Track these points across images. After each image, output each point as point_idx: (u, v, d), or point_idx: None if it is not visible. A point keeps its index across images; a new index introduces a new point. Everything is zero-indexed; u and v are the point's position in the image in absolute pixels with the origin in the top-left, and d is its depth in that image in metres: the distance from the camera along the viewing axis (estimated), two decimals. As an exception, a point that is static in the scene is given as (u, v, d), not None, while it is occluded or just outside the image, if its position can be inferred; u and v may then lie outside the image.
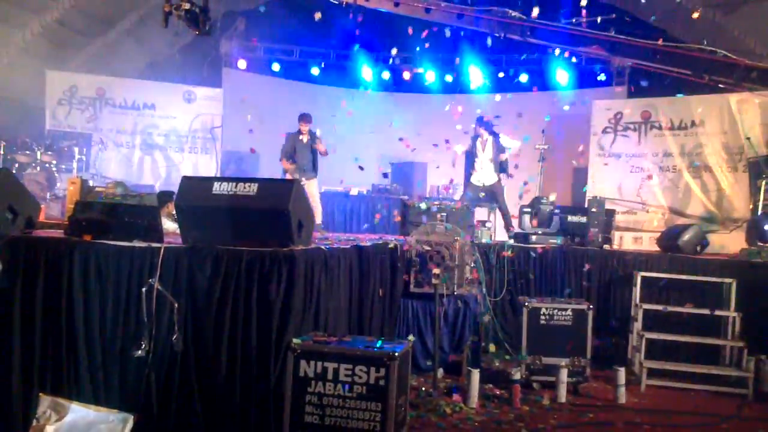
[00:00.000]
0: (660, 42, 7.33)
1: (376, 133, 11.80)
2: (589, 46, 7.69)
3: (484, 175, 9.20)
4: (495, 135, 9.20)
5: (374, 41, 12.27)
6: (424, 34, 8.89)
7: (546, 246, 7.57)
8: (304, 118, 9.26)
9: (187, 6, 5.68)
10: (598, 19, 7.57)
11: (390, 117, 11.52)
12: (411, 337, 5.83)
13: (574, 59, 11.45)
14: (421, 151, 11.93)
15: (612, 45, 7.55)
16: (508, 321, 7.40)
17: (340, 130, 11.39)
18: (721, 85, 7.51)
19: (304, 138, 9.19)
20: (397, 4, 7.88)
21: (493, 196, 9.06)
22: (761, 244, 7.25)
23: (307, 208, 4.50)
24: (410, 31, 9.23)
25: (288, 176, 9.03)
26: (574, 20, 7.66)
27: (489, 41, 8.37)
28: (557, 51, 8.79)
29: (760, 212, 8.32)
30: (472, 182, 9.24)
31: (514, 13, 7.78)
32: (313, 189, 9.19)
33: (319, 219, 9.06)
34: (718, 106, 9.72)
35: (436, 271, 5.85)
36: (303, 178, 9.05)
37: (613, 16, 7.97)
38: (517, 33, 7.81)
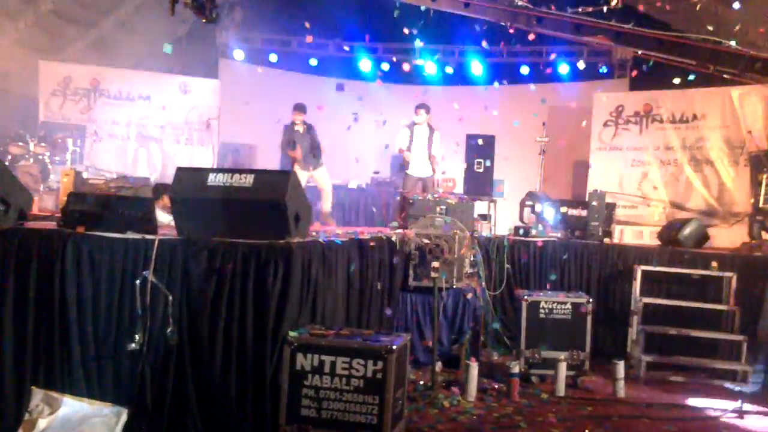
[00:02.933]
0: (665, 32, 7.28)
1: (375, 125, 11.72)
2: (595, 36, 7.64)
3: (420, 167, 9.09)
4: (431, 129, 9.04)
5: (373, 32, 12.17)
6: None
7: (546, 239, 7.53)
8: (298, 108, 9.10)
9: None
10: (604, 9, 7.51)
11: (389, 109, 11.44)
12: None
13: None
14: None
15: (617, 34, 7.50)
16: (508, 315, 7.37)
17: (339, 123, 11.33)
18: (725, 76, 7.46)
19: (300, 128, 9.03)
20: None
21: (424, 190, 8.89)
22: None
23: (304, 199, 4.43)
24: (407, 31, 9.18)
25: (296, 166, 8.91)
26: (580, 9, 7.59)
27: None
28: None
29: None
30: (409, 174, 9.11)
31: (520, 2, 7.70)
32: (323, 178, 9.09)
33: (328, 207, 8.96)
34: (720, 99, 9.65)
35: (435, 264, 5.79)
36: (310, 167, 8.96)
37: (619, 4, 7.90)
38: (524, 22, 7.75)
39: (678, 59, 7.43)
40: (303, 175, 8.72)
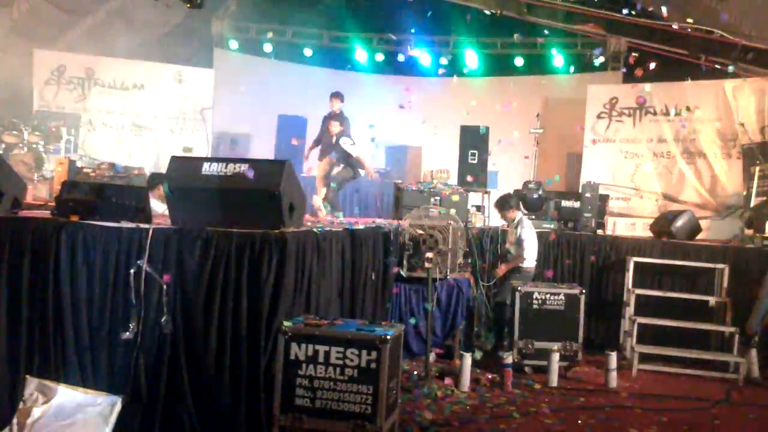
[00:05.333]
0: (658, 21, 7.27)
1: (371, 116, 11.72)
2: (586, 24, 7.61)
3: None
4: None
5: (368, 22, 12.15)
6: None
7: (540, 231, 7.55)
8: (334, 95, 8.41)
9: None
10: None
11: (383, 99, 11.42)
12: (412, 320, 5.84)
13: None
14: (416, 134, 11.89)
15: (609, 23, 7.48)
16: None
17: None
18: (717, 66, 7.46)
19: (333, 138, 8.16)
20: None
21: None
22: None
23: (298, 189, 4.43)
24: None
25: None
26: None
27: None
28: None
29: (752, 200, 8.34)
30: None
31: None
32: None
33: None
34: (713, 92, 9.68)
35: (429, 255, 5.81)
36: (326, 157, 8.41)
37: None
38: (514, 10, 7.71)
39: (670, 49, 7.42)
40: (321, 165, 8.38)
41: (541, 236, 7.55)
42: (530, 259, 6.81)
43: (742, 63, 7.09)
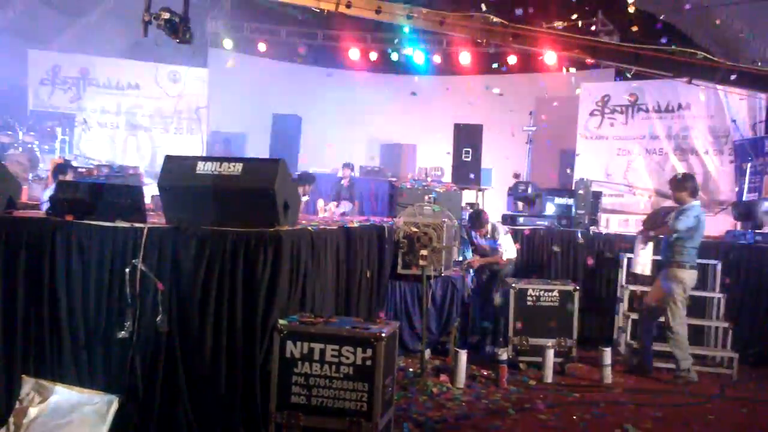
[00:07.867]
0: (641, 45, 7.39)
1: (365, 115, 11.76)
2: (571, 50, 7.72)
3: None
4: None
5: (362, 21, 12.12)
6: None
7: (533, 228, 7.60)
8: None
9: (166, 16, 5.64)
10: (580, 23, 7.62)
11: (378, 98, 11.45)
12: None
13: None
14: (409, 132, 11.91)
15: (593, 49, 7.59)
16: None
17: (329, 112, 11.35)
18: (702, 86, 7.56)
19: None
20: (378, 12, 7.87)
21: None
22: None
23: (292, 188, 4.45)
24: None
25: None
26: (555, 24, 7.67)
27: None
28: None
29: (744, 196, 8.38)
30: None
31: (495, 19, 7.72)
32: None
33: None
34: (705, 89, 9.71)
35: (423, 252, 5.83)
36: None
37: (594, 19, 8.03)
38: (499, 39, 7.83)
39: (655, 72, 7.56)
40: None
41: (536, 232, 7.61)
42: (510, 254, 7.05)
43: (725, 84, 7.22)
